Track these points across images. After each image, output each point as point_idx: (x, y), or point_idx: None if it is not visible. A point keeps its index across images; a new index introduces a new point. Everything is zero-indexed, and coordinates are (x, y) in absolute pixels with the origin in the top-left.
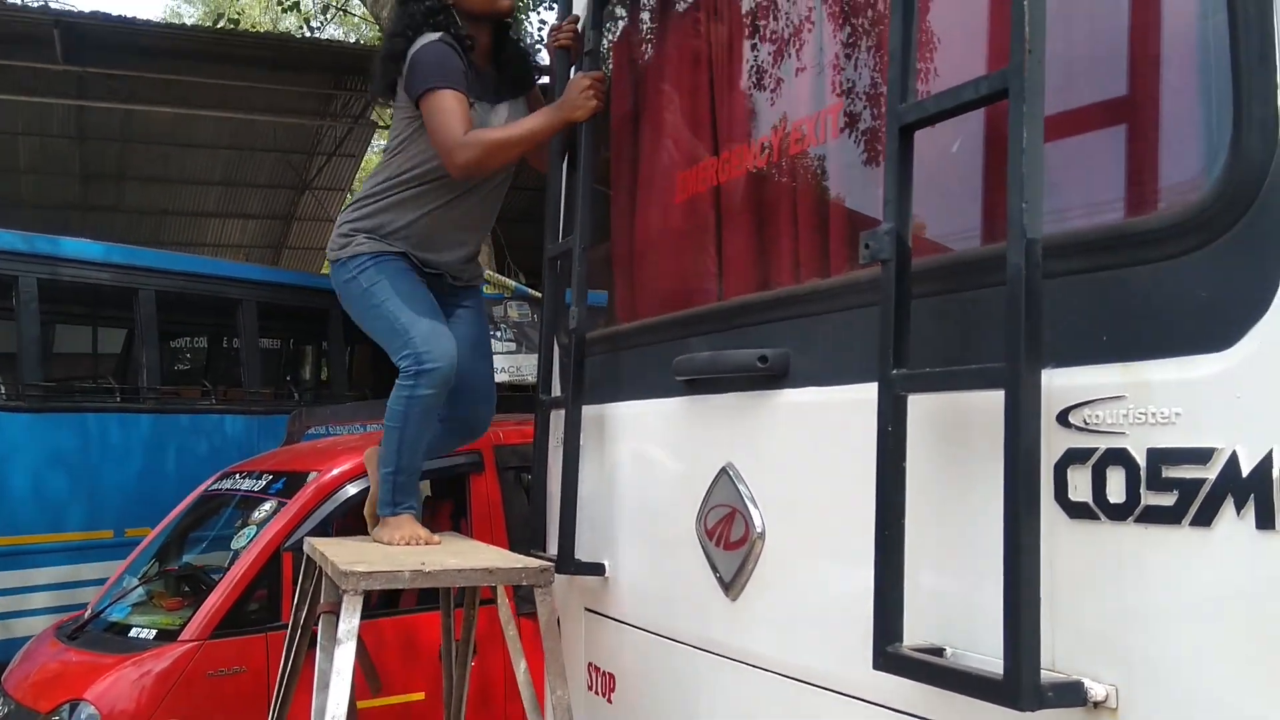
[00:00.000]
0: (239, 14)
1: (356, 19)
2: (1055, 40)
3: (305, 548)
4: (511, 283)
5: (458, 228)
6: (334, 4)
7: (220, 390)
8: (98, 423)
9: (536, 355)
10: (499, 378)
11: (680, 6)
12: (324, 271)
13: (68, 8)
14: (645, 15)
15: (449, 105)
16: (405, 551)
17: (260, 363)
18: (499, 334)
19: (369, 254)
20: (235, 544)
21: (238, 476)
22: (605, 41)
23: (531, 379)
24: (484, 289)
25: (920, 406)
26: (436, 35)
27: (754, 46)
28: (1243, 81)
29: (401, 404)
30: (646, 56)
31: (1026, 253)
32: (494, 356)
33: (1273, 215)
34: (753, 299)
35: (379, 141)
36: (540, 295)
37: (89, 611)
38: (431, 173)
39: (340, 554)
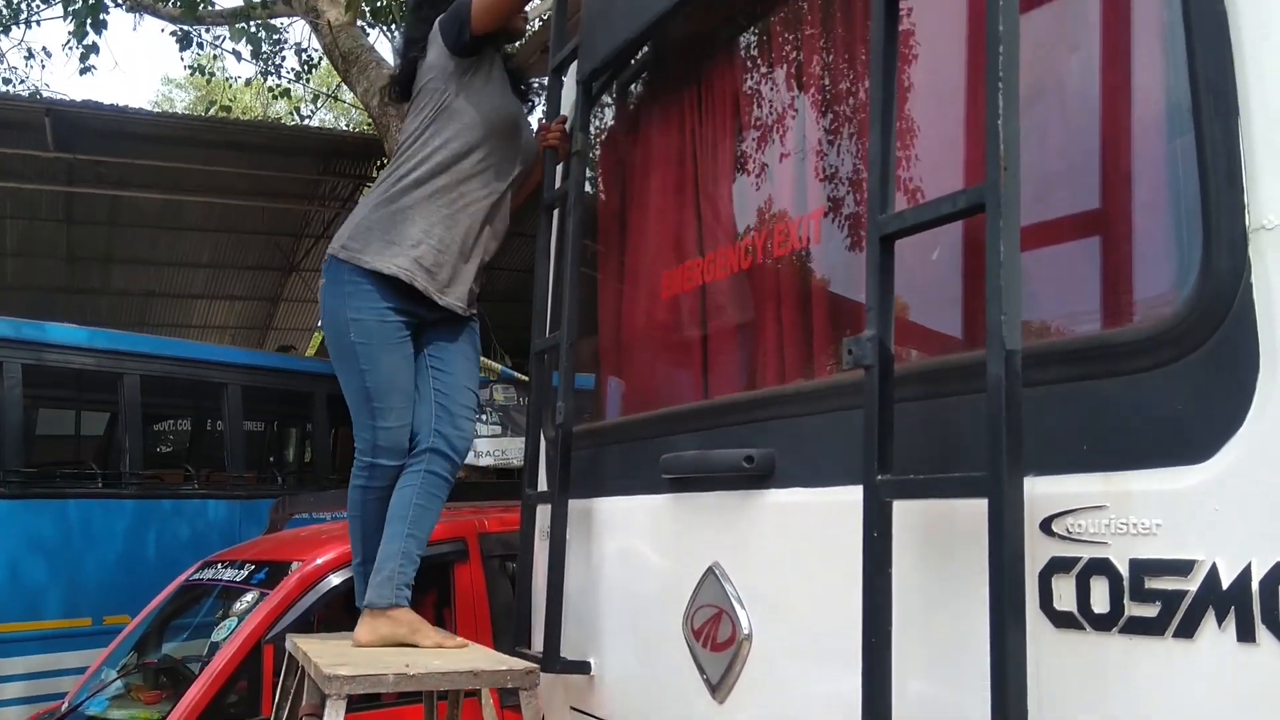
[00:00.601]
0: (231, 100)
1: (346, 104)
2: (1030, 154)
3: (288, 645)
4: (498, 366)
5: (473, 243)
6: (324, 91)
7: (203, 474)
8: (79, 508)
9: (523, 439)
10: (484, 461)
11: (666, 109)
12: (309, 354)
13: (60, 95)
14: (632, 115)
15: None
16: (390, 652)
17: (244, 446)
18: (484, 417)
19: (371, 281)
20: (216, 636)
21: (219, 565)
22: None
23: (517, 463)
24: None
25: (906, 510)
26: None
27: (738, 149)
28: (1211, 200)
29: (357, 495)
30: (633, 155)
31: (1006, 364)
32: (480, 440)
33: (1244, 331)
34: (739, 398)
35: None
36: (527, 379)
37: (66, 704)
38: (462, 154)
39: (323, 655)
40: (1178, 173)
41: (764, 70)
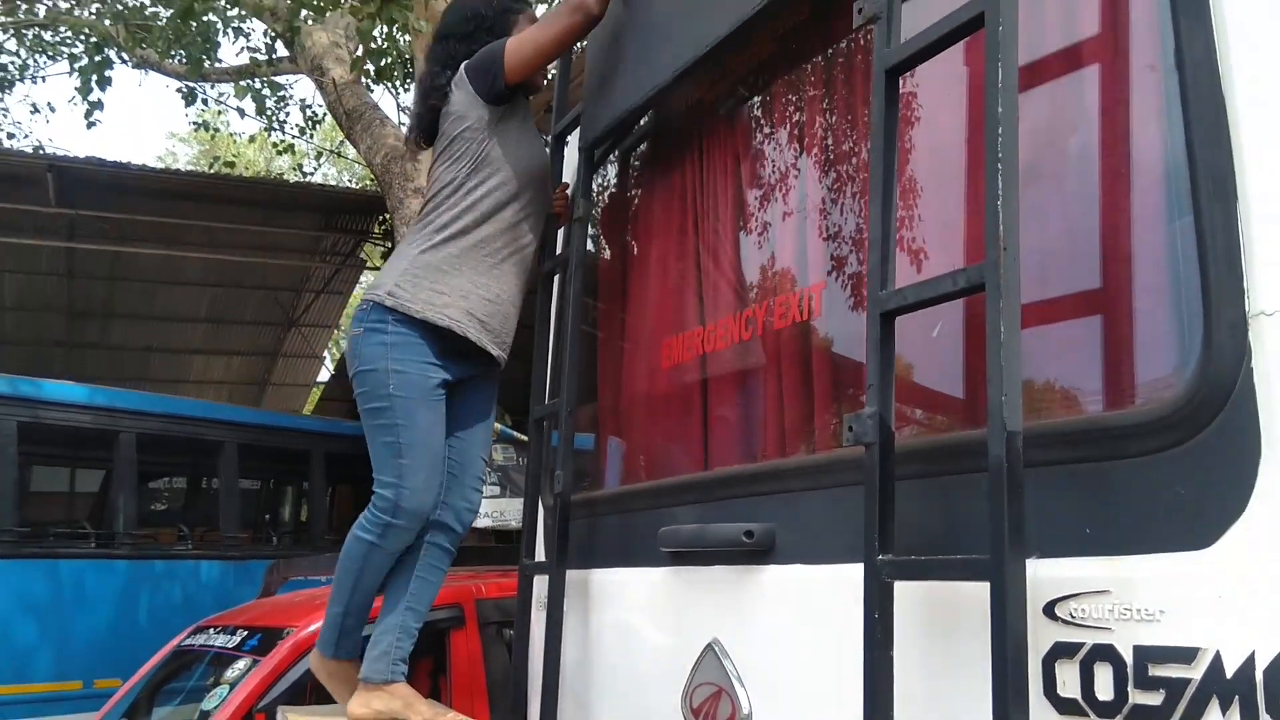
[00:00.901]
0: (235, 156)
1: (349, 159)
2: (1030, 234)
3: (279, 717)
4: (497, 425)
5: (517, 294)
6: (328, 148)
7: (197, 533)
8: (71, 569)
9: (521, 500)
10: (482, 523)
11: (667, 177)
12: (306, 411)
13: (63, 150)
14: (633, 183)
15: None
16: None
17: (239, 505)
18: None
19: (419, 332)
20: (207, 704)
21: (211, 631)
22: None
23: (515, 524)
24: None
25: (908, 589)
26: None
27: (739, 219)
28: (1211, 285)
29: (362, 548)
30: (635, 222)
31: (1007, 445)
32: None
33: (1245, 417)
34: (739, 471)
35: (367, 277)
36: (526, 439)
37: None
38: (504, 202)
39: None
40: (1178, 255)
41: (764, 141)
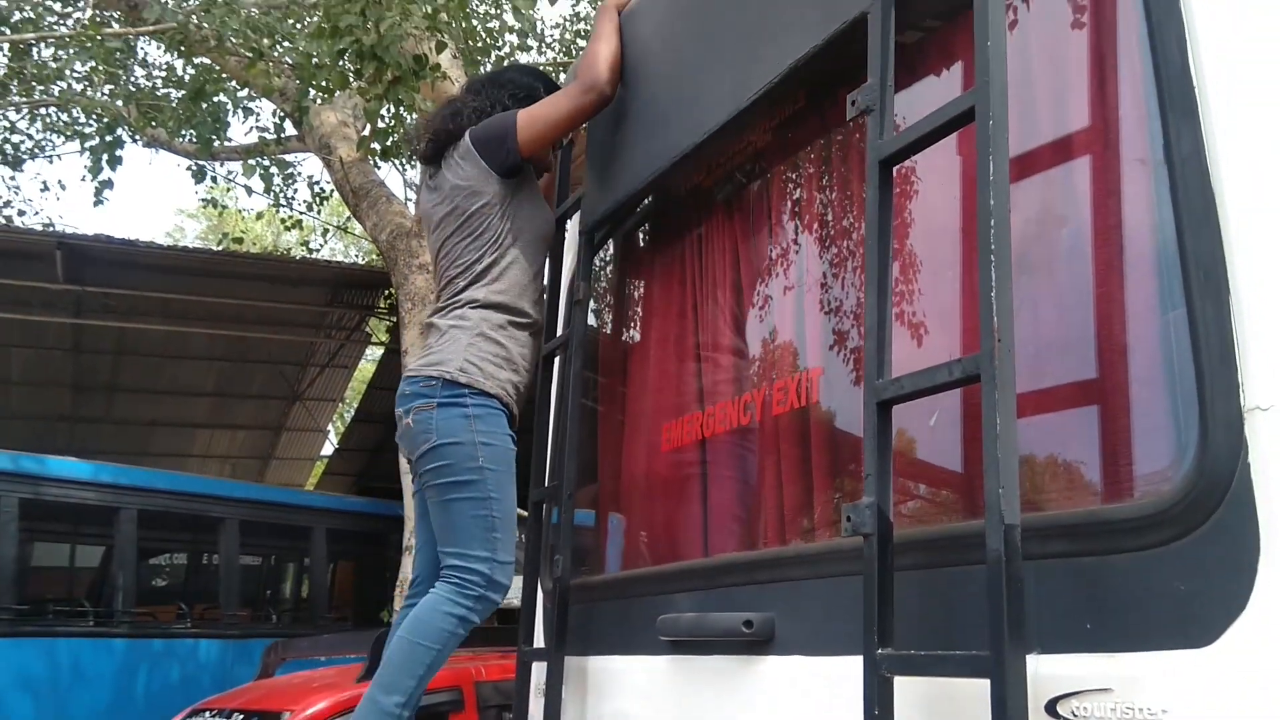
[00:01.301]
0: (244, 232)
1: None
2: (1024, 324)
3: None
4: None
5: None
6: (335, 224)
7: (197, 611)
8: (69, 647)
9: (520, 578)
10: None
11: (667, 261)
12: (309, 485)
13: (72, 228)
14: (634, 266)
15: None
16: None
17: (239, 582)
18: None
19: (494, 406)
20: None
21: (208, 714)
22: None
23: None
24: None
25: (908, 682)
26: None
27: (737, 304)
28: (1205, 379)
29: (451, 624)
30: (635, 306)
31: (1005, 539)
32: None
33: (1244, 512)
34: (738, 559)
35: (373, 352)
36: (526, 513)
37: None
38: (532, 276)
39: None
40: (1171, 348)
41: (762, 226)
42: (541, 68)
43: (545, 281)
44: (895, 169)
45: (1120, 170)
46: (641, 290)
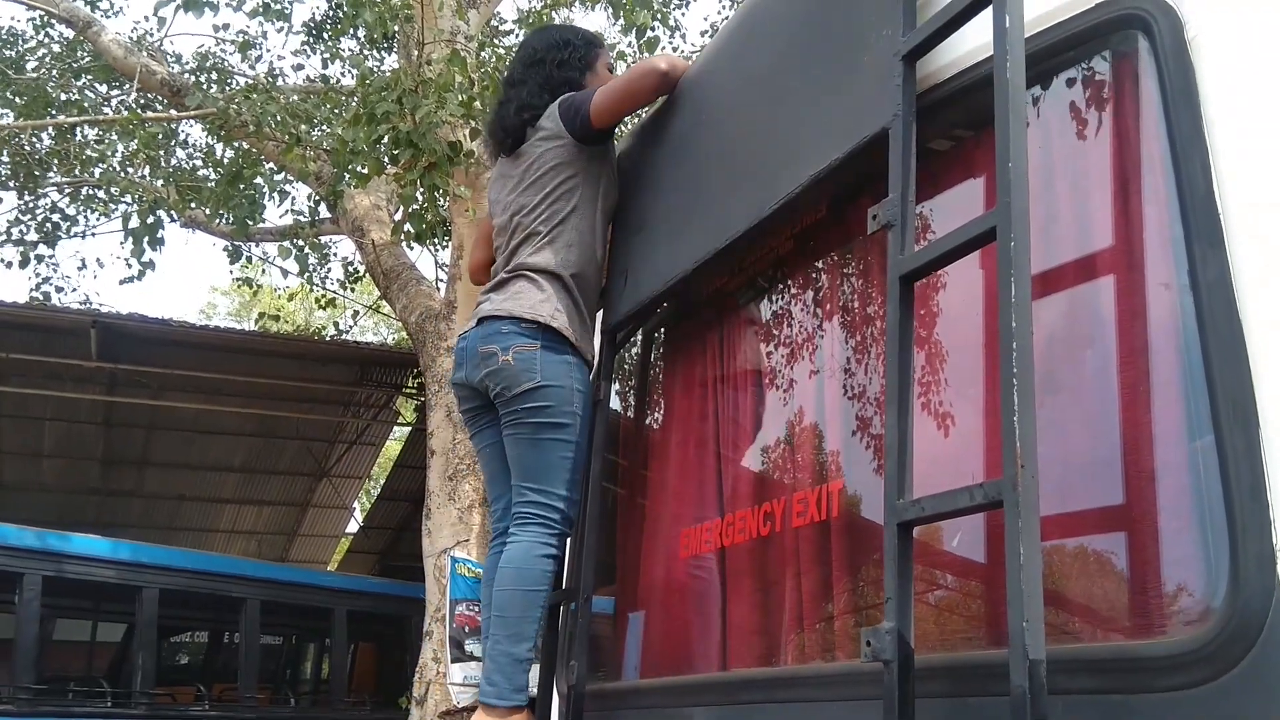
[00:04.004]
0: (278, 310)
1: (386, 314)
2: (1047, 446)
3: None
4: None
5: None
6: (366, 304)
7: (215, 691)
8: None
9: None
10: None
11: (688, 365)
12: (333, 562)
13: (106, 306)
14: (655, 368)
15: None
16: None
17: (258, 662)
18: None
19: (581, 361)
20: None
21: None
22: (615, 392)
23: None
24: None
25: None
26: None
27: (758, 411)
28: (1236, 514)
29: (547, 565)
30: (656, 407)
31: (1030, 674)
32: None
33: (1277, 655)
34: (757, 675)
35: (400, 430)
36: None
37: None
38: (600, 245)
39: None
40: (1200, 477)
41: (783, 333)
42: None
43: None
44: (916, 284)
45: (1145, 293)
46: (662, 392)
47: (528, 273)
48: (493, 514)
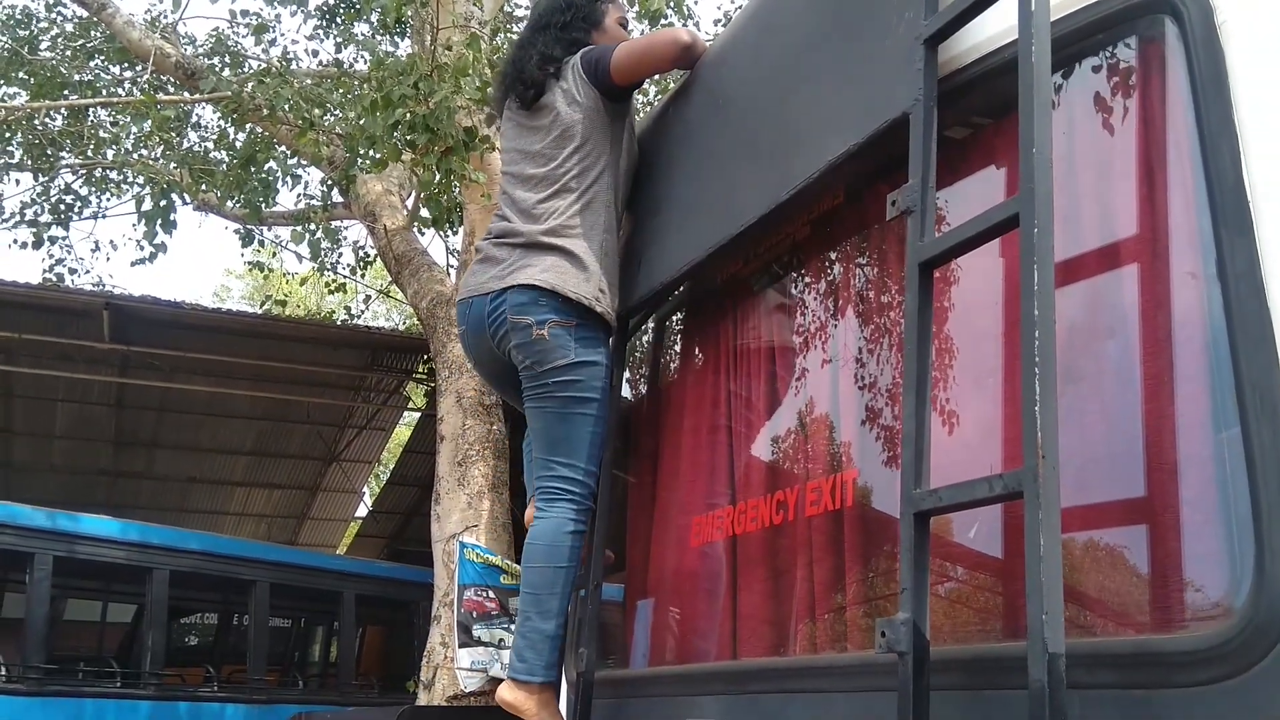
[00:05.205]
0: (287, 295)
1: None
2: (1068, 436)
3: None
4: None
5: None
6: (377, 289)
7: (224, 672)
8: (95, 709)
9: None
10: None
11: (701, 351)
12: (343, 546)
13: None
14: (667, 354)
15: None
16: None
17: (267, 644)
18: (513, 626)
19: (605, 334)
20: None
21: None
22: (626, 379)
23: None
24: (500, 579)
25: None
26: None
27: (771, 399)
28: (1262, 505)
29: (575, 540)
30: (668, 394)
31: (1049, 668)
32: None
33: None
34: (767, 665)
35: (410, 416)
36: None
37: None
38: (620, 201)
39: None
40: (1226, 470)
41: (798, 320)
42: None
43: None
44: (936, 271)
45: (1170, 283)
46: (674, 378)
47: (567, 241)
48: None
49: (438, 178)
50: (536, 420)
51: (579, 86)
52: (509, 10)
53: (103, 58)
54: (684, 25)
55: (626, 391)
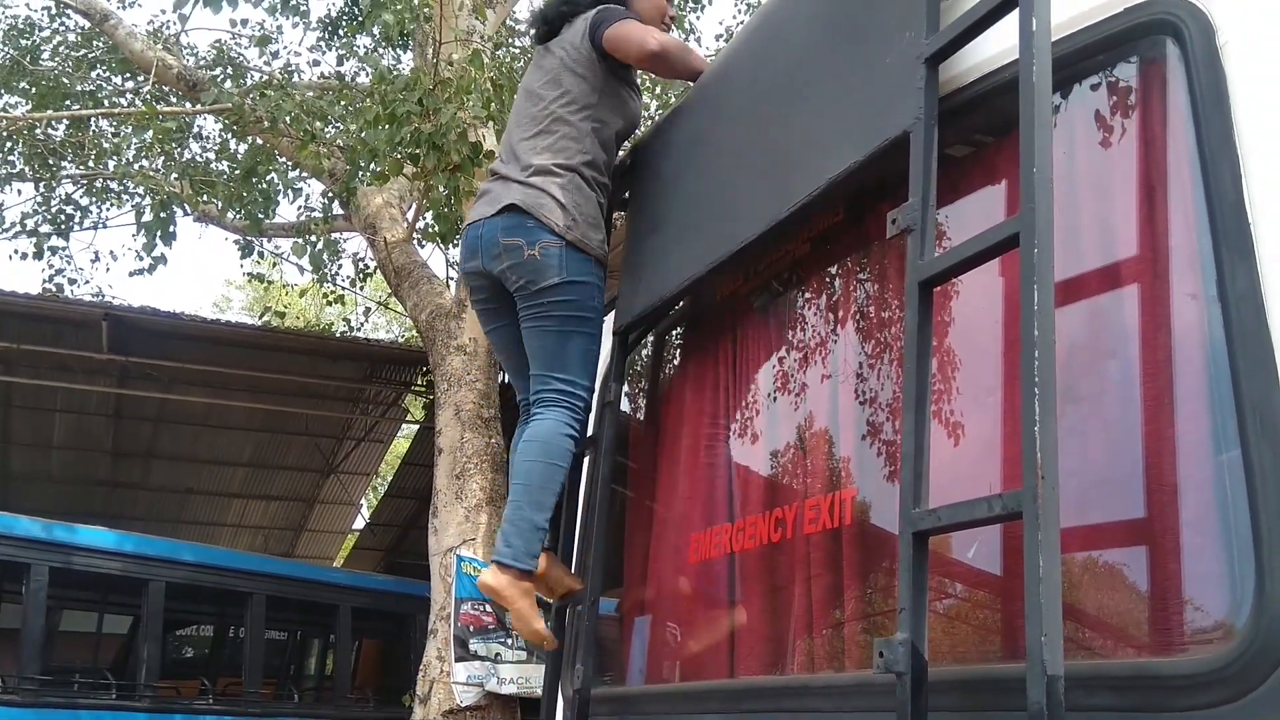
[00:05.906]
0: (286, 306)
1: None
2: (1068, 457)
3: None
4: None
5: None
6: (377, 301)
7: (219, 685)
8: None
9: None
10: (506, 689)
11: (700, 367)
12: (339, 558)
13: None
14: (666, 369)
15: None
16: None
17: (263, 657)
18: (510, 641)
19: (594, 258)
20: None
21: None
22: (626, 394)
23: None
24: None
25: None
26: None
27: (771, 416)
28: (1262, 528)
29: (570, 444)
30: (667, 410)
31: (1048, 690)
32: (504, 665)
33: None
34: (764, 684)
35: (408, 428)
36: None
37: None
38: (615, 144)
39: None
40: (1226, 492)
41: (797, 338)
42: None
43: None
44: (936, 289)
45: (1171, 303)
46: (674, 394)
47: (552, 175)
48: (521, 404)
49: (446, 194)
50: (534, 339)
51: (581, 37)
52: (510, 25)
53: (105, 68)
54: (685, 39)
55: (626, 407)
